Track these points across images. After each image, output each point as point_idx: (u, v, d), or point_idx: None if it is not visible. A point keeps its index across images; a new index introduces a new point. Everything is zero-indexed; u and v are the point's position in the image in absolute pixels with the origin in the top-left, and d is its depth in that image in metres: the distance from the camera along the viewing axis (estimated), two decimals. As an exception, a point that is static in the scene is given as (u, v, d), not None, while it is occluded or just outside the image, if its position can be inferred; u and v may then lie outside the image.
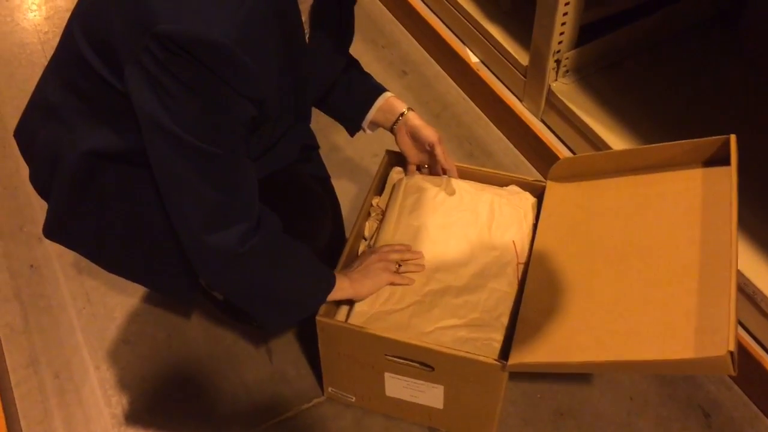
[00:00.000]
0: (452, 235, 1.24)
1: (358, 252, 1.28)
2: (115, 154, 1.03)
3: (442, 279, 1.18)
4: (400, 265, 1.19)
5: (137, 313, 1.48)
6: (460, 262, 1.20)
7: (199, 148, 0.89)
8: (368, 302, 1.16)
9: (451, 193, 1.29)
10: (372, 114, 1.29)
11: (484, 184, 1.32)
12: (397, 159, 1.36)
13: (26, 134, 1.13)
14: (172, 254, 1.08)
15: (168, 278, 1.15)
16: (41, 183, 1.13)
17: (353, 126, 1.32)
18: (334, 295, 1.12)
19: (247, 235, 0.98)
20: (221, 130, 0.91)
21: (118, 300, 1.49)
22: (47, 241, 1.57)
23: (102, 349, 1.42)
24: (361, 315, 1.14)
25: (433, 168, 1.33)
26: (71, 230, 1.12)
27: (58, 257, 1.56)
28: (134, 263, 1.15)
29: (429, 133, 1.26)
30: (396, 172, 1.37)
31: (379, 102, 1.28)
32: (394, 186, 1.34)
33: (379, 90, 1.30)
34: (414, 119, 1.27)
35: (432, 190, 1.29)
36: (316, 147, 1.34)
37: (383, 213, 1.31)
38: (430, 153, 1.29)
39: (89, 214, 1.09)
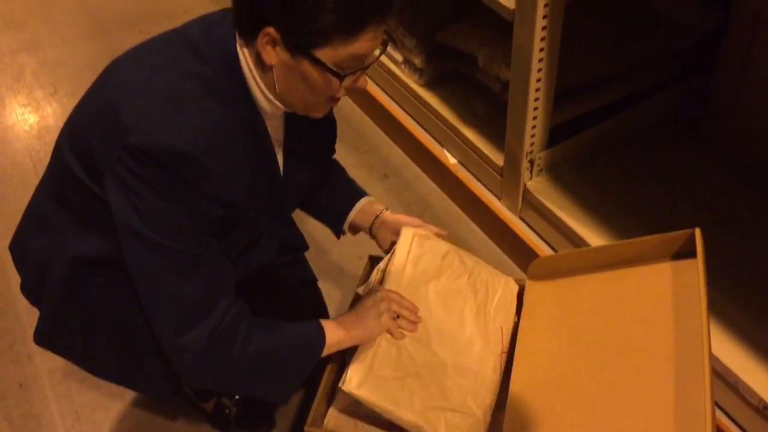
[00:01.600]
0: (452, 306, 1.24)
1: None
2: (101, 259, 1.08)
3: (439, 353, 1.17)
4: (397, 316, 1.18)
5: (126, 429, 1.47)
6: (456, 337, 1.21)
7: (166, 246, 0.96)
8: (366, 364, 1.12)
9: (456, 260, 1.30)
10: (352, 216, 1.33)
11: (480, 260, 1.34)
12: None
13: (19, 245, 1.18)
14: (155, 357, 1.11)
15: (153, 381, 1.18)
16: (32, 291, 1.19)
17: (336, 228, 1.37)
18: (330, 349, 1.11)
19: (216, 329, 1.00)
20: (188, 230, 0.97)
21: (106, 417, 1.49)
22: (37, 359, 1.59)
23: (91, 467, 1.41)
24: (356, 379, 1.10)
25: None
26: (61, 335, 1.16)
27: (48, 375, 1.57)
28: (120, 366, 1.18)
29: (409, 219, 1.30)
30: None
31: (359, 205, 1.33)
32: (402, 237, 1.31)
33: (360, 194, 1.35)
34: (391, 215, 1.32)
35: (441, 250, 1.30)
36: (303, 248, 1.38)
37: (390, 259, 1.28)
38: None
39: (78, 319, 1.13)
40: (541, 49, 1.47)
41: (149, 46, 1.03)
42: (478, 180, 1.88)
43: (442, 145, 1.98)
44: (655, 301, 1.14)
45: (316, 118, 1.08)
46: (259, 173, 1.08)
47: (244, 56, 0.99)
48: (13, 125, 2.28)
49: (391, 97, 2.14)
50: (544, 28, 1.44)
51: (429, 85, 2.01)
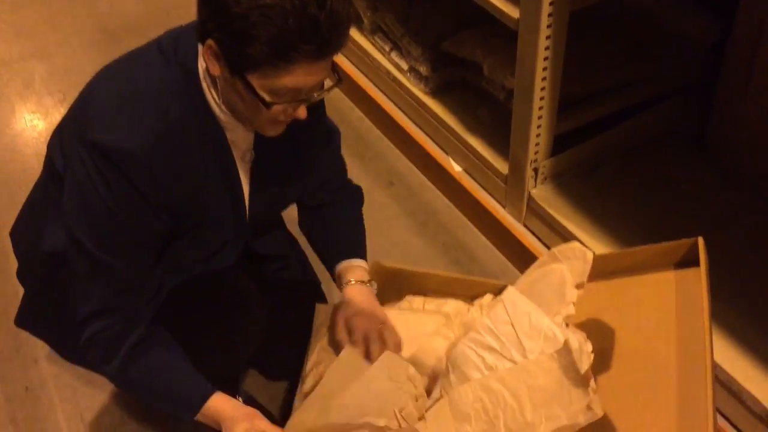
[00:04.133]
0: None
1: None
2: (65, 253, 1.11)
3: None
4: None
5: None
6: None
7: (88, 250, 1.01)
8: None
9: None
10: (336, 274, 1.28)
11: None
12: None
13: (17, 233, 1.26)
14: None
15: None
16: (22, 276, 1.27)
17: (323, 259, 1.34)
18: (203, 418, 1.09)
19: (95, 336, 1.06)
20: (117, 238, 1.02)
21: (110, 420, 1.50)
22: (43, 363, 1.60)
23: (95, 471, 1.42)
24: None
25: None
26: (37, 320, 1.25)
27: (54, 378, 1.58)
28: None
29: (363, 327, 1.16)
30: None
31: (338, 268, 1.27)
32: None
33: (343, 255, 1.27)
34: (350, 302, 1.20)
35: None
36: (287, 256, 1.39)
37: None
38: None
39: (50, 307, 1.20)
40: (545, 58, 1.48)
41: (128, 55, 1.07)
42: (483, 188, 1.89)
43: (447, 153, 1.99)
44: (658, 309, 1.15)
45: (293, 132, 1.06)
46: (217, 184, 1.09)
47: (202, 66, 1.00)
48: (22, 131, 2.30)
49: (396, 105, 2.15)
50: (548, 37, 1.45)
51: (434, 93, 2.02)
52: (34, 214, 1.21)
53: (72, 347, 1.19)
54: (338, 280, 1.27)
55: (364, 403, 1.05)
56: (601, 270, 1.25)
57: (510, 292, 1.12)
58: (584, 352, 0.99)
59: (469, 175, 1.93)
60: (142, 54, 1.04)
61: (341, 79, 1.00)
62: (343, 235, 1.31)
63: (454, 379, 1.07)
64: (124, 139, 0.96)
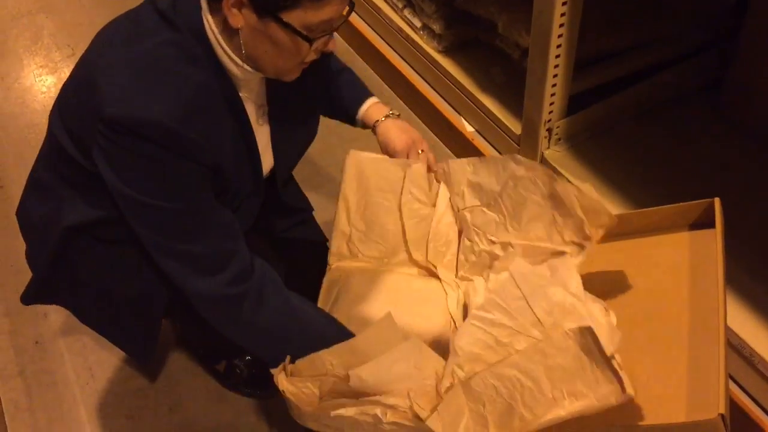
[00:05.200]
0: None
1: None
2: (87, 226, 1.10)
3: None
4: None
5: (140, 388, 1.49)
6: None
7: (163, 207, 0.97)
8: None
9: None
10: (360, 118, 1.31)
11: None
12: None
13: (24, 213, 1.21)
14: (131, 316, 1.17)
15: (128, 338, 1.24)
16: (31, 257, 1.21)
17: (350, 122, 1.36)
18: None
19: (236, 280, 1.02)
20: (175, 187, 0.97)
21: (121, 375, 1.51)
22: (52, 318, 1.60)
23: (105, 424, 1.43)
24: None
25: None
26: (48, 296, 1.22)
27: (63, 334, 1.59)
28: (101, 321, 1.24)
29: (401, 146, 1.26)
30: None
31: (361, 112, 1.30)
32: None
33: (361, 99, 1.31)
34: (385, 132, 1.27)
35: None
36: (305, 209, 1.39)
37: None
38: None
39: (64, 281, 1.18)
40: (562, 14, 1.45)
41: (125, 17, 1.04)
42: (495, 148, 1.86)
43: (460, 113, 1.97)
44: (672, 270, 1.13)
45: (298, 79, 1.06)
46: (237, 143, 1.08)
47: (209, 23, 0.98)
48: (30, 87, 2.28)
49: (408, 64, 2.12)
50: (565, -7, 1.41)
51: (447, 51, 1.99)
52: (44, 194, 1.16)
53: (97, 317, 1.22)
54: (367, 122, 1.30)
55: (381, 382, 1.00)
56: (614, 230, 1.23)
57: (518, 264, 1.08)
58: (613, 328, 0.97)
59: (482, 135, 1.90)
60: (142, 20, 1.00)
61: (353, 2, 1.01)
62: (348, 87, 1.33)
63: (463, 362, 1.02)
64: (148, 113, 0.92)
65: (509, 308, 1.01)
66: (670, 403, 0.94)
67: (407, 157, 1.27)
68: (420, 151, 1.28)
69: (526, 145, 1.73)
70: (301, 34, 0.94)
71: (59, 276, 1.17)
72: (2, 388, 1.50)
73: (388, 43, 2.19)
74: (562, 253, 1.22)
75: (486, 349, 1.02)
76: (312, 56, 1.02)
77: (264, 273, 1.07)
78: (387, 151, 1.28)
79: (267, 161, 1.17)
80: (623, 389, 0.90)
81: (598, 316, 1.01)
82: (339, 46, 1.36)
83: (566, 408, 0.94)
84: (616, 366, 0.91)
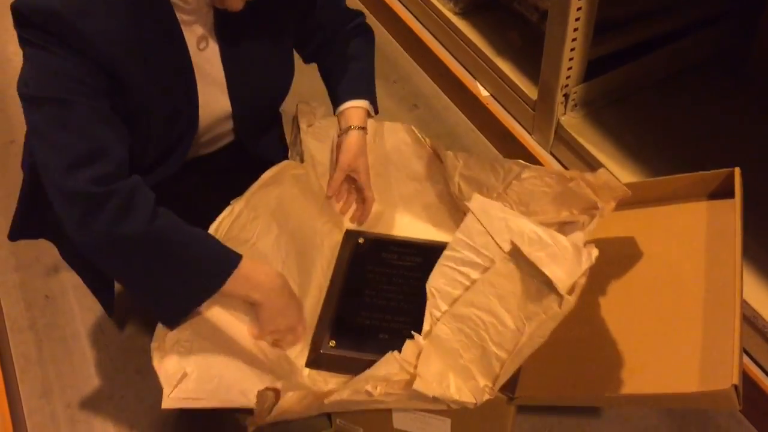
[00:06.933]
0: None
1: None
2: None
3: None
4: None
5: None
6: None
7: (43, 97, 0.93)
8: None
9: None
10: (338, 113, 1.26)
11: None
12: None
13: (24, 157, 1.19)
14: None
15: (94, 284, 1.26)
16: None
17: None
18: (236, 284, 0.98)
19: (104, 178, 0.92)
20: (65, 76, 0.93)
21: (130, 330, 1.51)
22: (63, 273, 1.60)
23: (114, 379, 1.44)
24: None
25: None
26: (29, 231, 1.22)
27: (74, 288, 1.59)
28: (74, 263, 1.24)
29: (342, 169, 1.22)
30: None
31: (341, 108, 1.24)
32: None
33: (349, 95, 1.24)
34: (345, 149, 1.21)
35: None
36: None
37: None
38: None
39: (38, 217, 1.17)
40: (585, -24, 1.42)
41: None
42: (510, 114, 1.84)
43: (475, 77, 1.94)
44: (688, 240, 1.11)
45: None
46: (166, 62, 1.01)
47: None
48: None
49: (424, 26, 2.09)
50: (588, -46, 1.38)
51: (464, 13, 1.95)
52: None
53: (69, 254, 1.21)
54: (340, 119, 1.24)
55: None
56: (633, 197, 1.21)
57: (477, 199, 1.03)
58: (579, 250, 0.94)
59: (497, 100, 1.88)
60: None
61: None
62: (351, 78, 1.25)
63: (441, 304, 1.01)
64: (44, 2, 0.90)
65: (475, 244, 0.99)
66: (684, 373, 0.93)
67: (343, 175, 1.24)
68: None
69: (542, 110, 1.71)
70: None
71: (34, 210, 1.16)
72: (13, 341, 1.50)
73: (403, 4, 2.15)
74: (572, 223, 1.21)
75: (462, 289, 1.00)
76: None
77: (139, 185, 0.95)
78: (339, 156, 1.23)
79: (220, 102, 1.11)
80: (558, 293, 0.88)
81: (563, 241, 0.96)
82: (352, 4, 1.32)
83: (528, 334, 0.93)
84: (547, 273, 0.90)
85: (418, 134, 1.30)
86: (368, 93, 1.25)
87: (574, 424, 1.32)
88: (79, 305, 1.56)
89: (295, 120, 1.31)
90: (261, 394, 0.95)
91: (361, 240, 1.29)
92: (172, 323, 1.00)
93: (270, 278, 1.04)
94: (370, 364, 1.01)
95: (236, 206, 1.10)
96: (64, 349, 1.49)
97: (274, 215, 1.17)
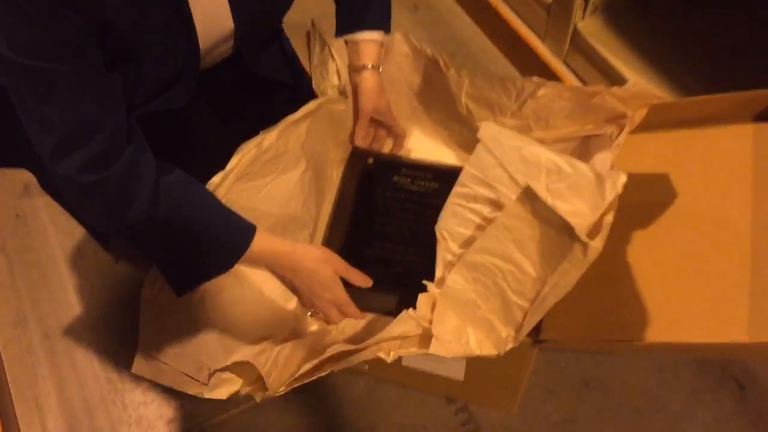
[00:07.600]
0: None
1: None
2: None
3: None
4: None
5: (132, 268, 1.39)
6: None
7: (23, 64, 0.82)
8: None
9: None
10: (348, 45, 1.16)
11: None
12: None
13: None
14: None
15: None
16: None
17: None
18: (251, 260, 0.96)
19: (95, 162, 0.86)
20: (46, 42, 0.82)
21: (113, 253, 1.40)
22: (34, 191, 1.48)
23: (95, 307, 1.34)
24: None
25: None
26: (9, 160, 1.11)
27: (46, 207, 1.47)
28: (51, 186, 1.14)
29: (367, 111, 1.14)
30: None
31: (353, 37, 1.13)
32: None
33: (366, 24, 1.13)
34: (364, 90, 1.13)
35: None
36: (295, 86, 1.22)
37: None
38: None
39: (9, 144, 1.06)
40: None
41: None
42: (521, 17, 1.69)
43: (482, -25, 1.78)
44: (732, 168, 1.01)
45: None
46: (160, 6, 0.89)
47: None
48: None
49: None
50: None
51: None
52: None
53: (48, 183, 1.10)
54: (352, 55, 1.14)
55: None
56: (667, 118, 1.10)
57: (486, 127, 0.92)
58: (605, 178, 0.84)
59: (506, 2, 1.72)
60: None
61: None
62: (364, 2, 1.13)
63: (453, 246, 0.93)
64: None
65: (487, 178, 0.90)
66: (731, 320, 0.85)
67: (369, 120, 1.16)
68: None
69: (557, 14, 1.56)
70: None
71: (5, 136, 1.04)
72: (-19, 264, 1.40)
73: None
74: (599, 137, 1.11)
75: (474, 228, 0.92)
76: None
77: (134, 163, 0.89)
78: (359, 102, 1.14)
79: (221, 20, 0.99)
80: (582, 240, 0.78)
81: (585, 170, 0.86)
82: None
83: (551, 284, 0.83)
84: (568, 210, 0.80)
85: (416, 43, 1.19)
86: (385, 19, 1.13)
87: (590, 360, 1.27)
88: (54, 226, 1.44)
89: (315, 37, 1.18)
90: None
91: (370, 160, 1.18)
92: (180, 293, 0.98)
93: (286, 250, 0.98)
94: (382, 299, 0.98)
95: (266, 140, 1.03)
96: (40, 274, 1.38)
97: (304, 148, 1.09)
